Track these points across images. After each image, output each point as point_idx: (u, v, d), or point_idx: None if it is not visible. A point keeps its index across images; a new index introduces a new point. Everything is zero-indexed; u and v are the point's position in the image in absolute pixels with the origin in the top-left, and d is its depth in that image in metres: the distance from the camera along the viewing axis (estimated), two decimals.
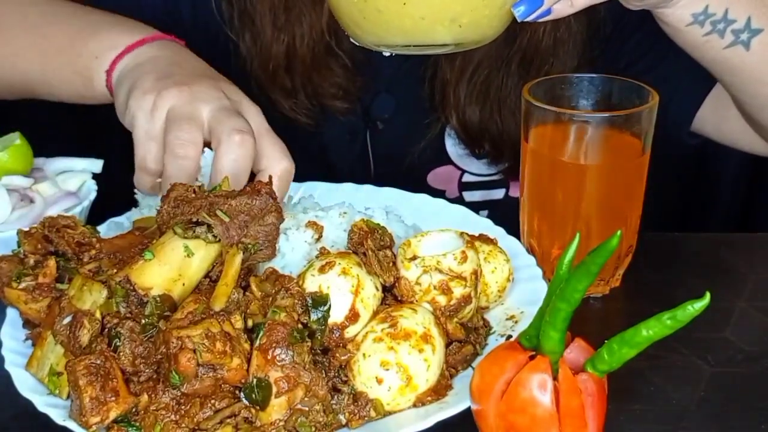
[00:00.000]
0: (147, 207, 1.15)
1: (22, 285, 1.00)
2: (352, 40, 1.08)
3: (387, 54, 1.06)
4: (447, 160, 1.49)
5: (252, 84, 1.37)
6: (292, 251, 1.04)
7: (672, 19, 1.13)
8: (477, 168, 1.50)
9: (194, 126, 1.04)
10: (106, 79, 1.18)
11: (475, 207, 1.34)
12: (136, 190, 1.14)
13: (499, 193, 1.53)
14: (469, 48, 1.03)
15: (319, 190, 1.26)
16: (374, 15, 0.97)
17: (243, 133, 1.03)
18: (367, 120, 1.46)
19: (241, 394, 0.89)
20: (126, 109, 1.09)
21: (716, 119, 1.40)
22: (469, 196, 1.52)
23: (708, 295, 0.76)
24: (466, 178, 1.51)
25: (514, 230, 1.19)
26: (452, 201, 1.27)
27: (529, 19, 0.98)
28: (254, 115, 1.09)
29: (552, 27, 1.32)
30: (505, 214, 1.21)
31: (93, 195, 1.26)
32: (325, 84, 1.36)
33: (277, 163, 1.06)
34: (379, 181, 1.29)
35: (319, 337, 0.93)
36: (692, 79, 1.35)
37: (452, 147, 1.47)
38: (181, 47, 1.20)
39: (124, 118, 1.11)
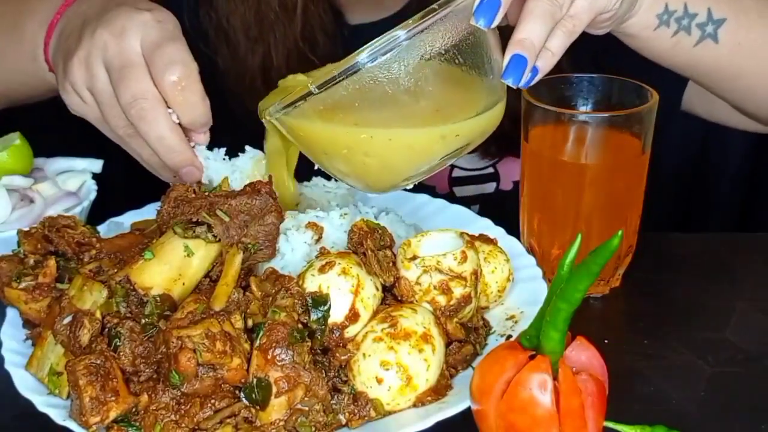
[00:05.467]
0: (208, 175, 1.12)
1: (22, 285, 1.00)
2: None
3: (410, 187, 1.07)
4: None
5: (230, 100, 1.37)
6: (292, 251, 1.04)
7: (637, 29, 1.11)
8: (466, 163, 1.50)
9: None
10: (45, 59, 1.18)
11: (466, 202, 1.34)
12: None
13: (489, 188, 1.53)
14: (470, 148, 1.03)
15: (319, 189, 1.26)
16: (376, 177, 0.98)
17: (134, 104, 1.03)
18: None
19: (241, 394, 0.89)
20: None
21: (705, 101, 1.40)
22: (460, 191, 1.52)
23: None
24: (456, 173, 1.50)
25: (504, 222, 1.19)
26: (443, 197, 1.27)
27: (521, 84, 0.96)
28: (135, 32, 1.07)
29: None
30: (496, 208, 1.21)
31: (93, 195, 1.26)
32: None
33: (170, 72, 1.05)
34: None
35: (319, 337, 0.93)
36: None
37: None
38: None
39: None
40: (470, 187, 1.52)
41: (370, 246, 1.00)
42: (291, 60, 1.35)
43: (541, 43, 0.94)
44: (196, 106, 1.05)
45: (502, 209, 1.20)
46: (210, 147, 1.12)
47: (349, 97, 0.91)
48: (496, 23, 0.91)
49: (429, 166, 0.99)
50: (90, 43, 1.06)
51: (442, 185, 1.51)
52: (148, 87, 1.03)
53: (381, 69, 0.89)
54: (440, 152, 0.98)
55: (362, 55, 0.88)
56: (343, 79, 0.89)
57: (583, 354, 0.83)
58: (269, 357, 0.88)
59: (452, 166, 1.50)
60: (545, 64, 0.96)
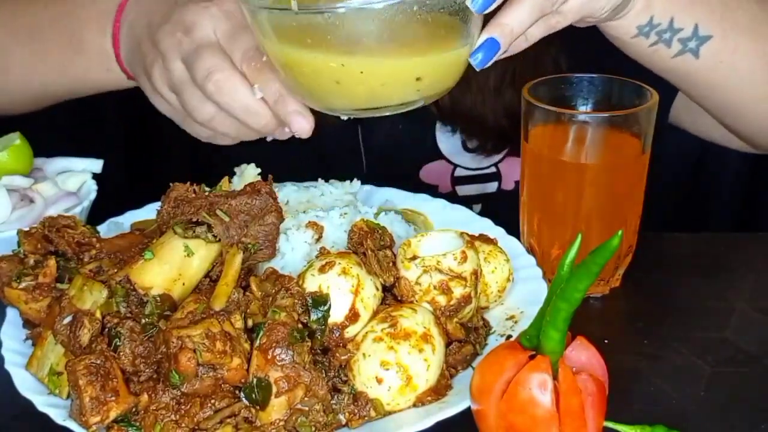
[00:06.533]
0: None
1: (22, 285, 1.00)
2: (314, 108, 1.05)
3: (345, 118, 1.03)
4: (439, 155, 1.49)
5: None
6: (292, 251, 1.04)
7: (618, 32, 1.12)
8: (469, 162, 1.50)
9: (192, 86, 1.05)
10: (125, 73, 1.19)
11: (468, 201, 1.34)
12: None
13: (491, 187, 1.53)
14: (431, 101, 1.01)
15: (318, 189, 1.26)
16: (332, 86, 0.94)
17: (210, 76, 1.03)
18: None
19: (241, 394, 0.89)
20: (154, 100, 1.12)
21: (691, 114, 1.40)
22: (462, 190, 1.52)
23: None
24: (459, 172, 1.50)
25: (506, 222, 1.19)
26: (445, 196, 1.27)
27: (487, 65, 0.97)
28: (208, 22, 1.07)
29: None
30: (499, 207, 1.21)
31: (93, 195, 1.26)
32: None
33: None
34: (372, 176, 1.29)
35: (319, 337, 0.93)
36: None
37: (444, 142, 1.47)
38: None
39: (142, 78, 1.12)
40: (472, 186, 1.52)
41: (370, 246, 1.00)
42: None
43: (521, 33, 0.95)
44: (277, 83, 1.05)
45: (504, 209, 1.20)
46: None
47: (326, 28, 0.90)
48: (489, 10, 0.92)
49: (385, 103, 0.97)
50: (164, 44, 1.07)
51: (444, 184, 1.51)
52: (222, 59, 1.03)
53: (363, 18, 0.89)
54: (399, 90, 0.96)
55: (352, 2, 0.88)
56: (326, 12, 0.88)
57: (583, 354, 0.83)
58: (269, 357, 0.88)
59: (455, 165, 1.50)
60: (514, 48, 0.98)
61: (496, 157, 1.50)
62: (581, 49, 1.33)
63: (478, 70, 0.97)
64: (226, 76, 1.02)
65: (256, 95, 1.03)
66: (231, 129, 1.07)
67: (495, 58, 0.96)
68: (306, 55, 0.93)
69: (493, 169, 1.51)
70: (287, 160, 1.21)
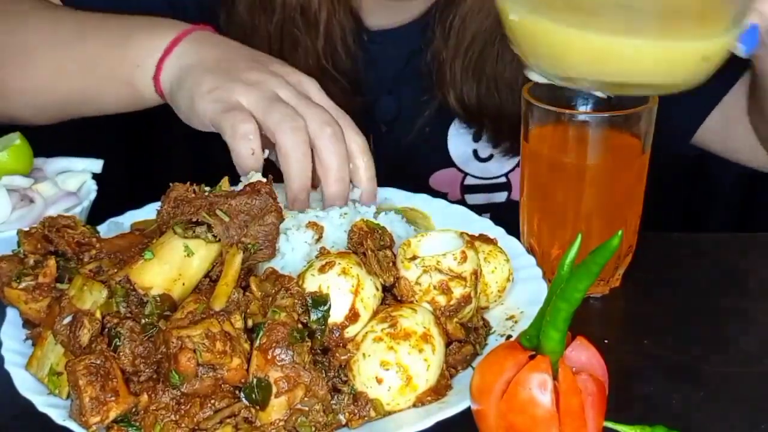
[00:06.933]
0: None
1: (22, 285, 1.00)
2: (530, 71, 0.99)
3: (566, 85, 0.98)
4: (449, 163, 1.48)
5: None
6: (292, 251, 1.04)
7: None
8: (479, 171, 1.50)
9: (286, 105, 1.06)
10: (155, 85, 1.18)
11: (478, 210, 1.34)
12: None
13: (501, 197, 1.53)
14: (667, 93, 0.94)
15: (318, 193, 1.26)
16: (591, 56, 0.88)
17: (332, 124, 1.06)
18: (371, 123, 1.46)
19: (241, 394, 0.89)
20: (193, 115, 1.11)
21: (723, 134, 1.40)
22: (472, 199, 1.52)
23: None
24: (469, 181, 1.50)
25: (515, 233, 1.19)
26: (454, 204, 1.27)
27: (746, 54, 0.93)
28: (317, 92, 1.12)
29: None
30: (508, 217, 1.21)
31: (93, 195, 1.26)
32: None
33: (354, 140, 1.10)
34: (381, 182, 1.29)
35: (319, 337, 0.93)
36: (698, 93, 1.35)
37: (456, 149, 1.47)
38: (213, 35, 1.20)
39: (193, 123, 1.12)
40: (482, 195, 1.52)
41: (370, 246, 1.00)
42: (315, 76, 1.35)
43: None
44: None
45: (513, 219, 1.20)
46: None
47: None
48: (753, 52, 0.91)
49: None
50: (267, 75, 1.10)
51: (453, 192, 1.51)
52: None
53: None
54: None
55: None
56: None
57: (583, 354, 0.83)
58: (269, 357, 0.88)
59: (465, 174, 1.50)
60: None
61: (507, 167, 1.50)
62: None
63: (745, 56, 0.93)
64: (341, 133, 1.08)
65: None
66: (296, 167, 1.08)
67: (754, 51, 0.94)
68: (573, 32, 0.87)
69: (503, 179, 1.51)
70: None
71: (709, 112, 1.37)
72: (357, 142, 1.11)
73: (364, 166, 1.11)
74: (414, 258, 1.00)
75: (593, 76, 0.89)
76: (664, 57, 0.86)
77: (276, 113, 1.05)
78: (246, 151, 1.06)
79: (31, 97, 1.31)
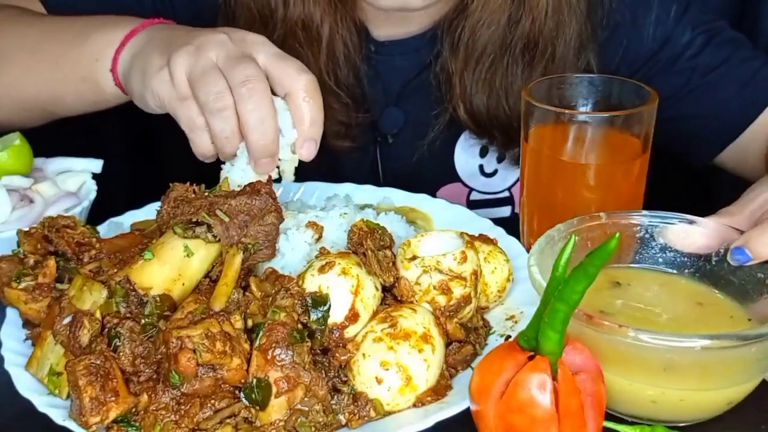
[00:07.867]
0: (240, 170, 1.11)
1: (22, 285, 1.00)
2: None
3: None
4: (455, 178, 1.49)
5: None
6: (292, 251, 1.04)
7: None
8: (484, 186, 1.50)
9: (216, 76, 1.05)
10: (113, 77, 1.19)
11: None
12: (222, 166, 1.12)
13: (505, 211, 1.53)
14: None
15: (318, 189, 1.26)
16: (648, 405, 0.91)
17: (247, 82, 1.03)
18: (377, 135, 1.46)
19: (241, 394, 0.89)
20: (147, 93, 1.10)
21: (736, 162, 1.41)
22: (477, 213, 1.52)
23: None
24: (474, 196, 1.51)
25: (505, 223, 1.19)
26: None
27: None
28: (259, 44, 1.09)
29: (554, 10, 1.30)
30: (512, 232, 1.21)
31: (93, 195, 1.26)
32: (327, 122, 1.35)
33: (297, 80, 1.07)
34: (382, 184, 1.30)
35: (319, 337, 0.93)
36: (719, 124, 1.36)
37: (462, 164, 1.47)
38: (170, 24, 1.20)
39: (148, 103, 1.11)
40: (486, 210, 1.52)
41: (370, 246, 1.00)
42: None
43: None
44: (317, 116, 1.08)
45: (517, 232, 1.20)
46: None
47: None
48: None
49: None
50: (205, 38, 1.08)
51: None
52: (263, 74, 1.06)
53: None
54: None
55: None
56: None
57: (578, 356, 0.83)
58: (269, 357, 0.88)
59: (470, 189, 1.50)
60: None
61: (510, 181, 1.50)
62: (611, 54, 1.34)
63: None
64: (263, 88, 1.04)
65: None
66: (226, 127, 1.06)
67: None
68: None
69: (506, 194, 1.51)
70: (304, 182, 1.24)
71: (724, 147, 1.38)
72: (301, 82, 1.07)
73: (306, 107, 1.07)
74: (414, 258, 1.00)
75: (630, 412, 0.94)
76: (695, 404, 0.92)
77: (202, 92, 1.05)
78: (202, 142, 1.08)
79: (3, 98, 1.32)
